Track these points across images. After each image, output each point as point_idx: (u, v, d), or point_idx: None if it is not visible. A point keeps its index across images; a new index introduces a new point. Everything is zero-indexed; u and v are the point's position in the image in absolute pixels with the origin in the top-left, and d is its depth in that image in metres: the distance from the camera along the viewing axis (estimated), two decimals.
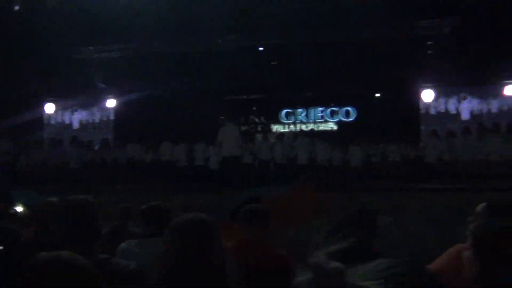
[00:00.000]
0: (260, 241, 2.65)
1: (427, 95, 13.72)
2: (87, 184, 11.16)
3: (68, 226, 1.85)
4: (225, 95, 15.28)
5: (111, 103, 15.23)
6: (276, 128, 15.67)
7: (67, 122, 16.10)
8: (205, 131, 13.16)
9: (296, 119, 15.67)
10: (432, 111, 14.11)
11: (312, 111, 15.60)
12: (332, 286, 0.80)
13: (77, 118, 16.10)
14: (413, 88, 13.86)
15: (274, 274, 2.52)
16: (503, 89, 13.34)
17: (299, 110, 15.64)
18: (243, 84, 14.49)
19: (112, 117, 15.85)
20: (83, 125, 16.03)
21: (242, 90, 15.22)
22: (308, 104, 15.53)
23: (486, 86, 13.72)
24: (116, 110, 15.53)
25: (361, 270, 0.79)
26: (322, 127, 15.43)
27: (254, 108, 15.88)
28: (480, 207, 2.48)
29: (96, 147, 13.55)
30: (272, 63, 13.79)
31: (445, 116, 13.98)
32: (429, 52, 12.72)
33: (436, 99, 13.86)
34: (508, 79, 13.18)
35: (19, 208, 4.69)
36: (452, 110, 13.98)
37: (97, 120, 16.00)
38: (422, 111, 14.17)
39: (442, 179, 10.85)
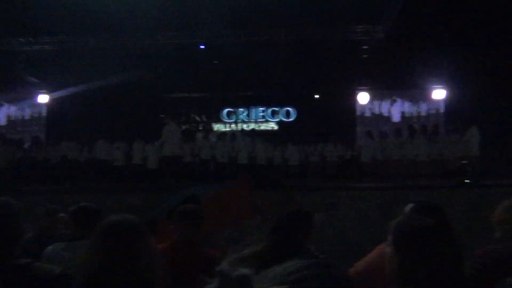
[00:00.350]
0: (193, 241, 2.64)
1: (362, 98, 14.29)
2: (16, 184, 10.55)
3: None
4: (165, 92, 15.01)
5: (43, 98, 14.44)
6: (217, 127, 15.64)
7: None
8: (144, 129, 12.86)
9: (237, 119, 15.73)
10: (367, 113, 14.73)
11: (253, 111, 15.73)
12: None
13: (5, 113, 15.12)
14: (349, 90, 14.38)
15: (207, 274, 2.53)
16: (431, 93, 14.20)
17: (241, 109, 15.71)
18: (184, 82, 14.30)
19: (44, 114, 15.04)
20: (12, 122, 15.08)
21: (183, 88, 15.02)
22: (249, 103, 15.64)
23: (416, 90, 14.53)
24: (49, 106, 14.75)
25: (271, 273, 0.77)
26: (263, 126, 15.60)
27: (195, 107, 15.74)
28: (408, 207, 2.61)
29: (27, 145, 12.78)
30: (213, 62, 13.71)
31: (379, 118, 14.65)
32: (364, 56, 13.24)
33: (370, 101, 14.49)
34: (436, 84, 14.05)
35: None
36: (385, 112, 14.68)
37: (27, 117, 15.12)
38: (358, 112, 14.75)
39: (375, 178, 11.36)
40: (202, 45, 13.37)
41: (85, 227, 2.96)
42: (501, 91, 12.53)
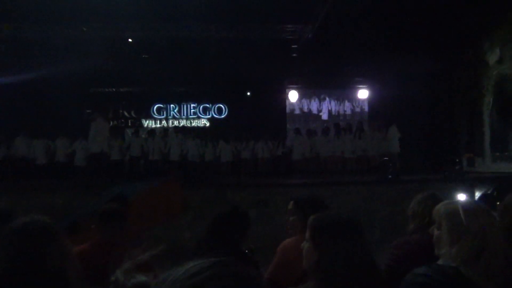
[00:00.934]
0: (114, 242, 2.55)
1: (292, 96, 14.64)
2: None
3: None
4: (92, 87, 14.35)
5: None
6: (147, 123, 15.24)
7: None
8: (69, 125, 12.20)
9: (168, 115, 15.43)
10: (297, 111, 15.11)
11: (184, 107, 15.52)
12: None
13: None
14: (280, 88, 14.66)
15: None
16: (356, 93, 14.88)
17: (172, 105, 15.44)
18: (112, 76, 13.75)
19: None
20: None
21: (110, 83, 14.44)
22: (180, 99, 15.40)
23: (342, 89, 15.14)
24: None
25: (171, 276, 0.72)
26: (195, 123, 15.45)
27: (124, 102, 15.21)
28: (290, 204, 2.71)
29: None
30: (143, 56, 13.32)
31: (308, 116, 15.10)
32: (294, 55, 13.55)
33: (300, 99, 14.87)
34: (361, 84, 14.74)
35: None
36: (314, 111, 15.14)
37: None
38: (288, 110, 15.08)
39: (305, 174, 11.69)
40: (130, 39, 12.94)
41: None
42: (419, 92, 13.44)
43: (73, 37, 12.38)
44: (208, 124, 15.47)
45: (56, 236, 1.61)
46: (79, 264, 1.64)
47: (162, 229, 8.23)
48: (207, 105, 15.50)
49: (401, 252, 2.43)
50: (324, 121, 14.70)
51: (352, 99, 15.11)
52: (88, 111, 14.21)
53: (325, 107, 15.05)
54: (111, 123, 14.30)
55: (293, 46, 13.41)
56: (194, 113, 15.53)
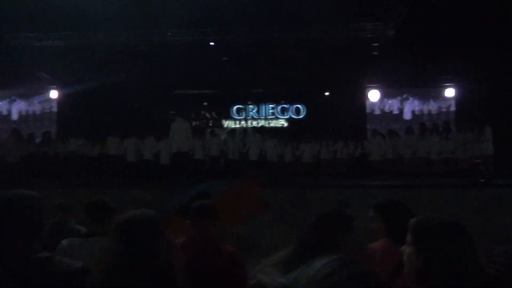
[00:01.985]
0: (209, 237, 2.63)
1: (373, 95, 14.20)
2: (27, 178, 10.64)
3: (8, 222, 1.73)
4: (176, 89, 15.03)
5: (54, 94, 14.53)
6: (227, 124, 15.64)
7: (4, 113, 15.21)
8: (154, 126, 12.88)
9: (247, 115, 15.71)
10: (377, 111, 14.65)
11: (263, 108, 15.71)
12: None
13: (16, 109, 15.24)
14: (359, 88, 14.31)
15: (224, 270, 2.52)
16: (442, 91, 14.08)
17: (250, 106, 15.70)
18: (194, 79, 14.30)
19: (55, 109, 15.13)
20: (23, 117, 15.20)
21: (193, 85, 15.02)
22: (259, 100, 15.62)
23: (427, 88, 14.41)
24: (60, 101, 14.84)
25: (301, 277, 0.72)
26: (273, 123, 15.58)
27: (205, 104, 15.75)
28: (370, 210, 2.60)
29: (37, 140, 12.88)
30: (223, 58, 13.69)
31: (389, 116, 14.56)
32: (375, 53, 13.14)
33: (381, 99, 14.39)
34: (447, 82, 13.92)
35: None
36: (395, 111, 14.58)
37: (38, 112, 15.23)
38: (368, 110, 14.67)
39: (385, 176, 11.30)
40: (212, 42, 13.35)
41: (99, 223, 2.97)
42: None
43: (157, 42, 13.04)
44: (286, 125, 15.52)
45: (163, 229, 1.68)
46: (183, 257, 1.71)
47: (242, 228, 8.42)
48: (285, 106, 15.56)
49: (508, 260, 2.26)
50: (407, 121, 14.09)
51: (438, 98, 14.31)
52: (172, 112, 14.92)
53: (408, 107, 14.42)
54: (193, 123, 14.86)
55: (373, 45, 13.00)
56: (273, 114, 15.66)
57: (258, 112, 15.72)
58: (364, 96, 14.47)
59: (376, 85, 14.22)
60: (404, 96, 14.54)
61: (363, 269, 0.75)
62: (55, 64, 13.60)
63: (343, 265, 0.73)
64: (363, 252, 2.51)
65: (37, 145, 12.62)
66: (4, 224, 1.73)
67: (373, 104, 14.58)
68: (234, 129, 13.78)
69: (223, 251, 2.60)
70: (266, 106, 15.66)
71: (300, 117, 15.47)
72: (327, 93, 15.11)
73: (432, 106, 14.47)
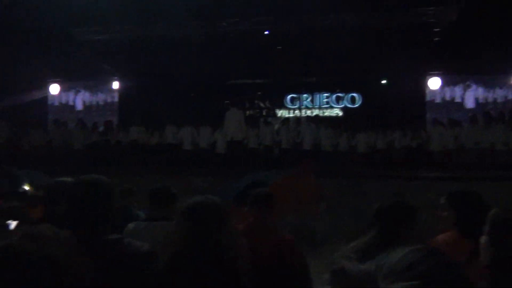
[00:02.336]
0: (268, 224, 2.67)
1: (433, 83, 13.63)
2: (91, 165, 11.25)
3: (82, 206, 1.86)
4: (230, 79, 15.22)
5: (115, 85, 15.20)
6: (281, 113, 15.65)
7: (71, 103, 16.12)
8: (210, 115, 13.15)
9: (301, 105, 15.63)
10: (438, 99, 14.05)
11: (317, 97, 15.55)
12: None
13: (80, 99, 16.11)
14: (419, 75, 13.76)
15: (283, 257, 2.55)
16: (509, 78, 13.25)
17: (304, 95, 15.60)
18: (248, 69, 14.40)
19: (116, 100, 15.84)
20: (87, 107, 16.05)
21: (247, 75, 15.14)
22: (313, 89, 15.48)
23: (492, 75, 13.61)
24: (121, 92, 15.51)
25: (386, 266, 0.71)
26: (327, 113, 15.39)
27: (259, 93, 15.83)
28: (442, 198, 2.51)
29: (100, 129, 13.56)
30: (277, 47, 13.66)
31: (450, 104, 13.93)
32: (436, 39, 12.57)
33: (442, 87, 13.78)
34: None
35: (26, 188, 4.72)
36: (458, 99, 13.91)
37: (101, 102, 16.00)
38: (428, 98, 14.11)
39: (446, 168, 10.86)
40: (267, 31, 13.35)
41: (163, 208, 3.10)
42: None
43: (212, 32, 13.23)
44: (341, 114, 15.28)
45: (226, 215, 1.73)
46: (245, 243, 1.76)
47: (295, 216, 8.43)
48: (340, 95, 15.30)
49: None
50: (469, 110, 13.40)
51: (505, 85, 13.48)
52: (226, 101, 15.15)
53: (471, 95, 13.70)
54: (247, 113, 15.00)
55: (434, 30, 12.44)
56: (327, 103, 15.46)
57: (312, 101, 15.58)
58: (424, 84, 13.91)
59: (437, 72, 13.62)
60: (467, 83, 13.84)
61: (448, 259, 0.75)
62: (117, 57, 14.21)
63: (427, 255, 0.73)
64: (429, 244, 2.45)
65: (100, 133, 13.29)
66: (82, 207, 1.86)
67: (433, 92, 13.98)
68: (287, 118, 13.76)
69: (281, 239, 2.63)
70: (321, 95, 15.48)
71: (356, 106, 15.17)
72: (384, 81, 14.69)
73: (497, 94, 13.66)
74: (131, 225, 2.99)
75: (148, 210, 3.35)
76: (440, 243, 2.43)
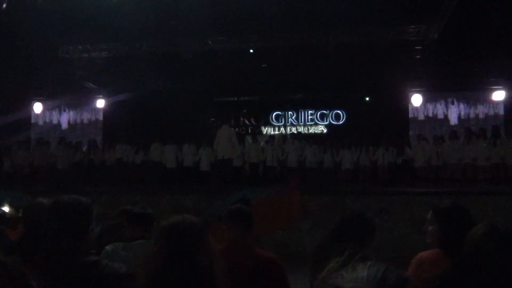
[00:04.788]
0: (246, 242, 2.65)
1: (416, 100, 13.85)
2: (75, 185, 11.09)
3: (60, 227, 1.83)
4: (216, 96, 15.26)
5: (100, 103, 15.12)
6: (266, 130, 15.70)
7: (55, 122, 15.95)
8: (195, 133, 13.13)
9: (286, 122, 15.71)
10: (420, 116, 14.25)
11: (302, 114, 15.66)
12: None
13: (65, 118, 15.96)
14: (401, 92, 13.97)
15: (263, 276, 2.53)
16: (490, 95, 13.53)
17: (289, 112, 15.70)
18: (234, 86, 14.48)
19: (101, 118, 15.73)
20: (71, 126, 15.89)
21: (232, 92, 15.20)
22: (298, 106, 15.59)
23: (473, 92, 13.89)
24: (105, 110, 15.42)
25: (349, 281, 0.73)
26: (312, 129, 15.49)
27: (245, 110, 15.88)
28: (429, 213, 2.52)
29: (84, 148, 13.42)
30: (262, 65, 13.79)
31: (433, 121, 14.14)
32: (417, 57, 12.83)
33: (424, 103, 14.01)
34: (495, 85, 13.37)
35: (6, 209, 4.62)
36: (440, 115, 14.13)
37: (85, 121, 15.87)
38: (411, 115, 14.31)
39: (429, 183, 10.97)
40: (251, 50, 13.48)
41: (142, 228, 3.07)
42: None
43: (199, 50, 13.30)
44: (325, 131, 15.40)
45: (204, 235, 1.72)
46: (223, 262, 1.74)
47: (281, 233, 8.40)
48: (325, 112, 15.44)
49: None
50: (452, 126, 13.62)
51: (485, 101, 13.76)
52: (212, 119, 15.16)
53: (454, 111, 13.94)
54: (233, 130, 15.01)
55: (416, 47, 12.70)
56: (312, 120, 15.58)
57: (297, 118, 15.68)
58: (407, 101, 14.12)
59: (419, 89, 13.86)
60: (449, 100, 14.09)
61: (404, 274, 0.77)
62: (102, 75, 14.17)
63: (387, 270, 0.74)
64: (413, 260, 2.46)
65: (84, 152, 13.13)
66: (60, 228, 1.83)
67: (416, 108, 14.19)
68: (273, 136, 13.81)
69: (261, 257, 2.61)
70: (305, 112, 15.60)
71: (340, 123, 15.31)
72: (367, 98, 14.88)
73: (478, 110, 13.92)
74: (109, 248, 2.95)
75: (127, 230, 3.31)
76: (423, 260, 2.43)
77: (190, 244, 1.66)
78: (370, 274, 0.74)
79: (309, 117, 15.59)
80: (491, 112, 13.82)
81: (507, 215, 8.05)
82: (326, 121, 15.44)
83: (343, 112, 15.25)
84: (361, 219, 2.45)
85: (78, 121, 15.90)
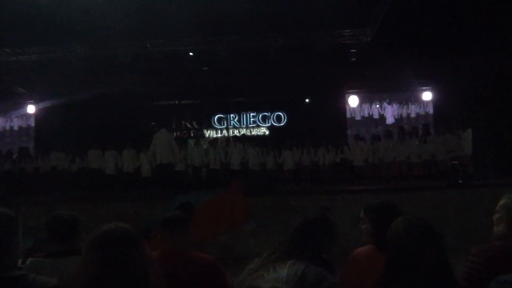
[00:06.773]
0: (182, 247, 2.61)
1: (352, 101, 14.37)
2: (4, 196, 10.39)
3: None
4: (156, 100, 14.96)
5: (31, 109, 14.31)
6: (209, 133, 15.62)
7: None
8: (135, 137, 12.77)
9: (228, 124, 15.72)
10: (357, 116, 14.82)
11: (244, 116, 15.73)
12: None
13: None
14: (338, 94, 14.46)
15: (201, 279, 2.50)
16: (420, 95, 14.34)
17: (231, 115, 15.72)
18: (174, 90, 14.26)
19: (32, 124, 14.90)
20: (0, 133, 14.93)
21: (173, 96, 14.97)
22: (240, 109, 15.65)
23: (405, 92, 14.66)
24: (37, 116, 14.61)
25: (270, 280, 0.73)
26: (255, 132, 15.61)
27: (186, 114, 15.70)
28: (361, 212, 2.63)
29: (15, 156, 12.64)
30: (203, 68, 13.70)
31: (369, 121, 14.75)
32: (353, 59, 13.33)
33: (360, 104, 14.57)
34: (424, 86, 14.19)
35: None
36: (375, 115, 14.77)
37: (15, 127, 14.97)
38: (348, 115, 14.83)
39: (367, 181, 11.40)
40: (191, 53, 13.36)
41: (66, 241, 2.67)
42: (488, 91, 12.69)
43: (137, 53, 12.98)
44: (267, 133, 15.58)
45: (138, 242, 1.66)
46: (159, 269, 1.69)
47: (226, 236, 8.36)
48: (266, 114, 15.62)
49: (482, 259, 2.28)
50: (389, 125, 14.29)
51: (416, 101, 14.57)
52: (152, 123, 14.83)
53: (388, 111, 14.63)
54: (174, 134, 14.78)
55: (351, 51, 13.20)
56: (254, 122, 15.71)
57: (239, 120, 15.74)
58: (344, 102, 14.63)
59: (355, 91, 14.41)
60: (384, 100, 14.76)
61: (323, 271, 0.79)
62: (32, 79, 13.42)
63: (306, 268, 0.76)
64: (349, 257, 2.53)
65: (14, 161, 12.37)
66: None
67: (353, 109, 14.74)
68: (216, 139, 13.75)
69: (198, 260, 2.57)
70: (247, 114, 15.69)
71: (281, 124, 15.55)
72: (307, 100, 15.25)
73: (410, 110, 14.71)
74: (28, 261, 2.64)
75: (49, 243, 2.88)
76: (358, 257, 2.51)
77: (123, 252, 1.60)
78: (289, 273, 0.75)
79: (251, 119, 15.70)
80: (422, 112, 14.65)
81: (439, 208, 8.56)
82: (268, 123, 15.63)
83: (284, 114, 15.51)
84: (320, 224, 2.48)
85: (8, 128, 14.96)
